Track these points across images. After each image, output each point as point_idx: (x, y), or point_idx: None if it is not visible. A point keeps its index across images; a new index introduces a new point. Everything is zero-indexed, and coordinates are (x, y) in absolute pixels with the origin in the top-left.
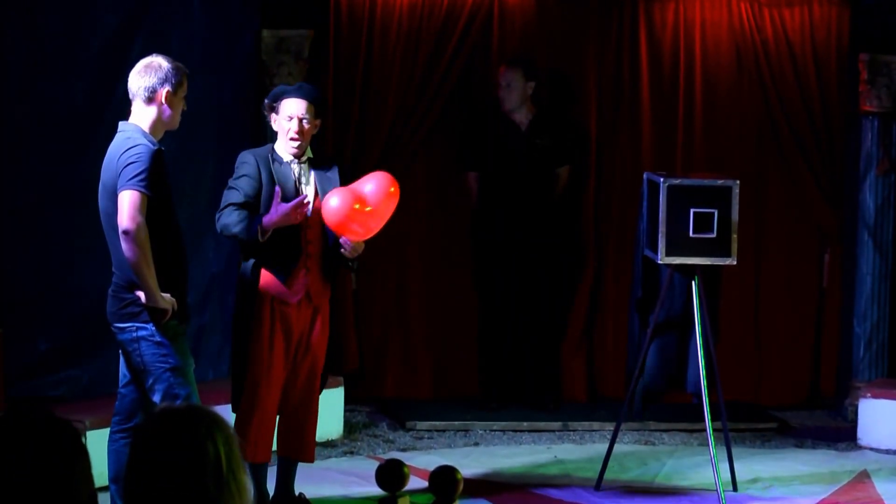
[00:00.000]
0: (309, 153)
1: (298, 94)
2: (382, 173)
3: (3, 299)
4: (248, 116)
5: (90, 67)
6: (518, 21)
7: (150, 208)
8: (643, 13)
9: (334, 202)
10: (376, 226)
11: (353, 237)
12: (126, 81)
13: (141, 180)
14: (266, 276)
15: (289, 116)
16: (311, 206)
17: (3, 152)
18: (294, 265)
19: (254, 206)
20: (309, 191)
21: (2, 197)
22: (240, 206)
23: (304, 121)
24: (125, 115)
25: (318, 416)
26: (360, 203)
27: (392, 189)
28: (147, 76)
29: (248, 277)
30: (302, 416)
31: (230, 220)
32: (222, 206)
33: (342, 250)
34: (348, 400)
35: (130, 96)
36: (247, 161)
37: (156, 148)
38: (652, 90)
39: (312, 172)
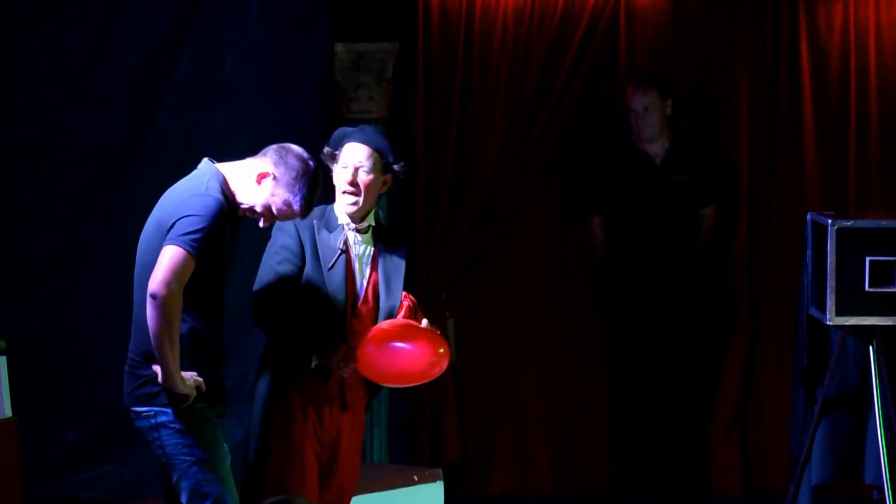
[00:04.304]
0: (371, 219)
1: (359, 136)
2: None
3: (21, 379)
4: (319, 151)
5: (123, 92)
6: (650, 27)
7: (198, 271)
8: (804, 14)
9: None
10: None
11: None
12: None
13: (195, 240)
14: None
15: (344, 164)
16: (363, 287)
17: (18, 199)
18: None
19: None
20: (362, 268)
21: (19, 253)
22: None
23: (363, 170)
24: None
25: None
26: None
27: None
28: (280, 158)
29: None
30: None
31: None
32: (257, 285)
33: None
34: (449, 498)
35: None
36: (284, 228)
37: (224, 203)
38: (816, 109)
39: (371, 247)
